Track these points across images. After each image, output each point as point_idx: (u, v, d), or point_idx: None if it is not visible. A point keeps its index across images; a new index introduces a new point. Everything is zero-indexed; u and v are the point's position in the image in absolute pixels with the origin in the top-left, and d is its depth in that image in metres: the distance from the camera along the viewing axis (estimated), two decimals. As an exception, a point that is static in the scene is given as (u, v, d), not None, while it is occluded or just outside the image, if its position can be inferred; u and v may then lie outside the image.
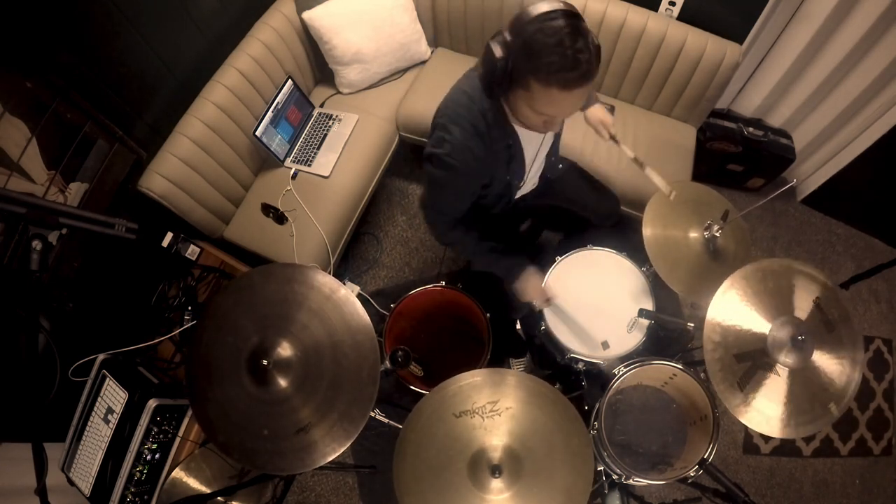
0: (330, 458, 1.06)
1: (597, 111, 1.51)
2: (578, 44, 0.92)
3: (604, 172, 2.05)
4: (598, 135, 1.49)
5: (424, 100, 2.18)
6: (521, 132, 1.24)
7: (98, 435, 1.49)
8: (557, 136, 1.45)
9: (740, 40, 1.99)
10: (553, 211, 1.82)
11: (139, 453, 1.45)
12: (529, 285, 1.45)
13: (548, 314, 1.53)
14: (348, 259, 2.38)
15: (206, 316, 1.22)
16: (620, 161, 2.10)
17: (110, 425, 1.47)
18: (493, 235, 1.64)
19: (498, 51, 0.99)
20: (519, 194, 1.60)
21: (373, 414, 1.39)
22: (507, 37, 0.98)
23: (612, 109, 2.22)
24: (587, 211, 1.78)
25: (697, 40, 1.96)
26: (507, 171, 1.33)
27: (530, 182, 1.57)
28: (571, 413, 1.17)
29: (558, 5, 0.94)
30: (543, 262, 1.63)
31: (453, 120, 1.17)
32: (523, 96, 1.03)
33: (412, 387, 1.61)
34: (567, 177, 1.68)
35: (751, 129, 2.31)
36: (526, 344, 2.05)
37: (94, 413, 1.52)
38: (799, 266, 1.25)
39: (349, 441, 1.07)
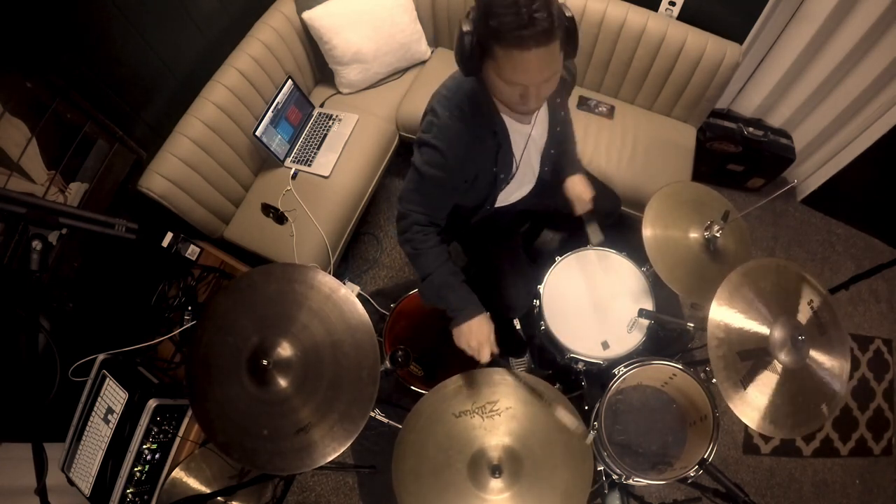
0: (330, 458, 1.06)
1: (577, 183, 1.53)
2: (535, 4, 0.92)
3: (604, 172, 2.05)
4: (573, 208, 1.52)
5: (424, 100, 2.11)
6: (509, 122, 1.24)
7: (98, 435, 1.49)
8: (552, 138, 1.44)
9: (740, 40, 1.99)
10: (553, 210, 1.81)
11: (139, 453, 1.45)
12: (482, 331, 1.28)
13: (548, 314, 1.53)
14: (348, 259, 2.38)
15: (206, 316, 1.22)
16: (620, 161, 2.10)
17: (110, 425, 1.47)
18: (494, 235, 1.65)
19: (466, 25, 1.00)
20: (516, 197, 1.60)
21: (373, 414, 1.39)
22: (473, 11, 1.00)
23: (611, 110, 2.23)
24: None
25: (697, 40, 1.96)
26: (493, 162, 1.30)
27: (526, 181, 1.56)
28: (571, 413, 1.17)
29: None
30: (543, 262, 1.63)
31: (441, 103, 1.18)
32: (492, 66, 1.02)
33: (412, 387, 1.61)
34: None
35: (751, 129, 2.31)
36: (526, 344, 2.05)
37: (94, 413, 1.52)
38: (795, 267, 1.26)
39: (349, 441, 1.07)
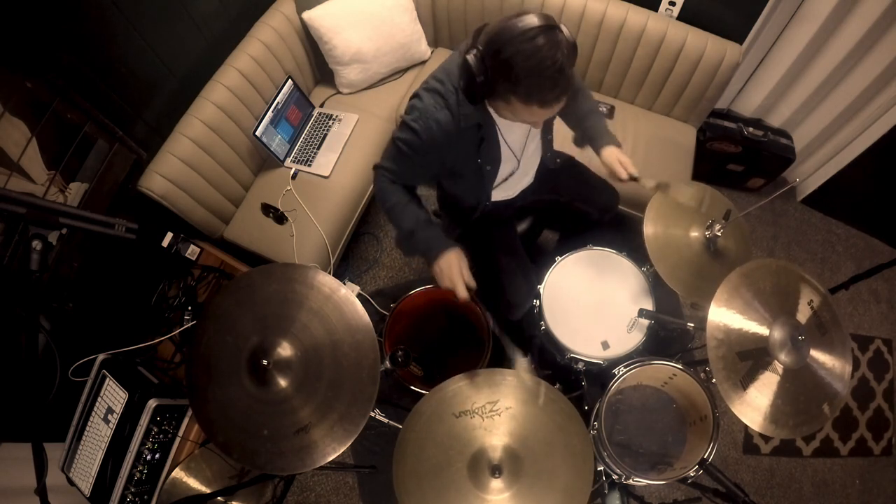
0: (330, 458, 1.06)
1: (612, 152, 1.39)
2: (558, 62, 0.94)
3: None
4: (616, 176, 1.37)
5: None
6: (499, 119, 1.24)
7: (98, 435, 1.49)
8: (547, 124, 1.43)
9: (740, 40, 1.99)
10: (552, 207, 1.82)
11: (139, 453, 1.45)
12: (452, 267, 1.27)
13: (548, 314, 1.53)
14: (348, 259, 2.38)
15: (206, 316, 1.22)
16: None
17: (110, 425, 1.47)
18: (495, 233, 1.65)
19: (477, 69, 1.01)
20: (518, 189, 1.60)
21: (373, 414, 1.39)
22: (486, 54, 1.00)
23: (611, 110, 2.23)
24: (587, 204, 1.77)
25: (697, 40, 1.96)
26: (476, 154, 1.30)
27: (525, 172, 1.56)
28: (571, 413, 1.17)
29: (535, 21, 0.95)
30: (543, 262, 1.63)
31: (428, 90, 1.19)
32: (504, 106, 1.07)
33: (412, 387, 1.61)
34: (565, 170, 1.68)
35: (751, 129, 2.31)
36: (526, 344, 2.05)
37: (94, 413, 1.52)
38: (794, 268, 1.26)
39: (349, 441, 1.07)
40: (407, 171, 1.30)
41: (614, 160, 1.37)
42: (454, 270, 1.27)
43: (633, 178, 1.34)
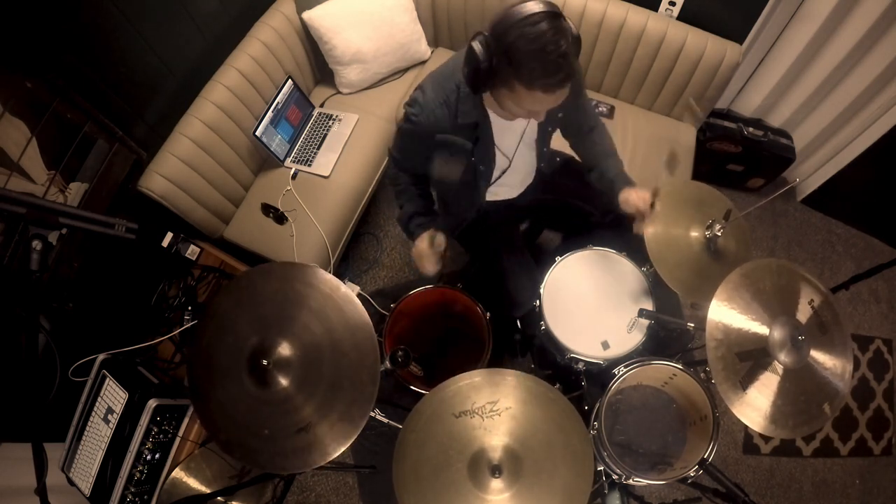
0: (331, 458, 1.06)
1: (631, 195, 1.36)
2: (561, 48, 0.94)
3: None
4: (641, 214, 1.33)
5: None
6: (495, 119, 1.26)
7: (98, 435, 1.49)
8: (545, 129, 1.44)
9: (740, 40, 1.99)
10: (553, 207, 1.82)
11: (139, 453, 1.45)
12: (420, 248, 1.39)
13: (548, 314, 1.53)
14: (348, 259, 2.38)
15: (206, 315, 1.22)
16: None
17: (110, 425, 1.47)
18: (497, 233, 1.65)
19: (481, 53, 1.01)
20: (517, 191, 1.60)
21: (373, 414, 1.39)
22: (490, 40, 1.00)
23: (611, 110, 2.23)
24: (588, 204, 1.77)
25: (697, 40, 1.96)
26: (471, 153, 1.32)
27: (523, 176, 1.56)
28: (571, 413, 1.17)
29: (539, 6, 0.96)
30: (543, 262, 1.63)
31: (431, 83, 1.22)
32: (507, 94, 1.06)
33: (412, 387, 1.61)
34: (565, 170, 1.68)
35: (751, 129, 2.31)
36: (526, 343, 2.05)
37: (94, 413, 1.52)
38: (794, 268, 1.26)
39: (349, 440, 1.07)
40: (407, 157, 1.39)
41: (636, 198, 1.34)
42: (422, 249, 1.39)
43: (653, 204, 1.32)
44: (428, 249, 1.38)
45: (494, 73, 1.02)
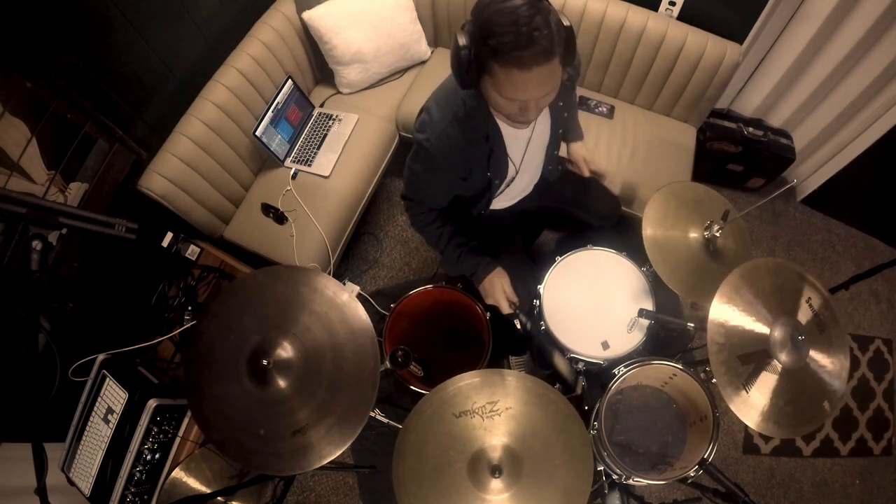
0: (326, 461, 1.06)
1: (578, 149, 1.59)
2: (535, 22, 0.90)
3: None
4: (580, 171, 1.56)
5: (424, 100, 2.17)
6: (504, 128, 1.24)
7: (98, 435, 1.49)
8: (555, 140, 1.43)
9: (740, 40, 1.99)
10: (552, 214, 1.82)
11: (139, 453, 1.45)
12: (494, 287, 1.46)
13: (548, 314, 1.53)
14: (348, 259, 2.38)
15: (208, 313, 1.22)
16: (620, 161, 2.10)
17: (110, 425, 1.47)
18: (493, 236, 1.64)
19: (462, 39, 0.99)
20: (518, 198, 1.60)
21: (373, 414, 1.39)
22: (470, 25, 0.98)
23: (611, 110, 2.23)
24: (588, 213, 1.78)
25: (697, 40, 1.96)
26: (487, 167, 1.30)
27: (522, 186, 1.56)
28: (571, 413, 1.17)
29: None
30: (543, 262, 1.63)
31: (437, 103, 1.20)
32: (490, 83, 1.01)
33: (412, 387, 1.61)
34: (566, 179, 1.68)
35: (751, 129, 2.31)
36: (525, 343, 2.05)
37: (94, 413, 1.52)
38: (794, 267, 1.26)
39: (346, 444, 1.07)
40: (430, 194, 1.37)
41: (580, 158, 1.55)
42: (497, 290, 1.45)
43: (595, 175, 1.52)
44: (502, 286, 1.45)
45: (475, 58, 0.98)
